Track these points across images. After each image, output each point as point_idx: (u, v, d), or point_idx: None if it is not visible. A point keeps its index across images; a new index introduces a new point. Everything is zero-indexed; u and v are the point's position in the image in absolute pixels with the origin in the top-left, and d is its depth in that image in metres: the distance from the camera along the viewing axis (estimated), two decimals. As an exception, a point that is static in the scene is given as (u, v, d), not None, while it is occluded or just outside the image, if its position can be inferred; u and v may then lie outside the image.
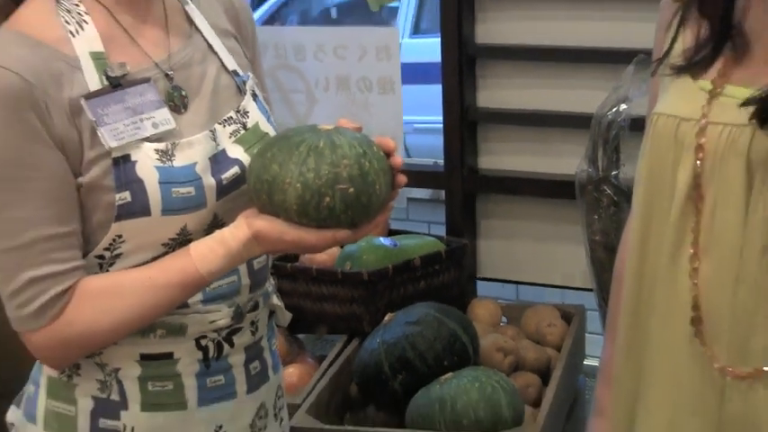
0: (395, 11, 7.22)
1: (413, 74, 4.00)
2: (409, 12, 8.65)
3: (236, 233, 2.05)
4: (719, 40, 2.15)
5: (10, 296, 2.03)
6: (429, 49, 4.36)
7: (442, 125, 3.91)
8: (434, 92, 3.84)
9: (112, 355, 2.13)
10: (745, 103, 2.01)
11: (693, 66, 2.16)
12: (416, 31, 8.63)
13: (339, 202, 1.98)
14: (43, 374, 2.20)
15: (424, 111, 4.28)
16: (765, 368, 2.06)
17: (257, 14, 9.51)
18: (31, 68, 1.97)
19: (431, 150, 4.11)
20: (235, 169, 2.14)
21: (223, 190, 2.11)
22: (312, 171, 1.97)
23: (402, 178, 2.10)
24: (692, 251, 2.11)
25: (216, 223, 2.11)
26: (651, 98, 2.30)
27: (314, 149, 1.99)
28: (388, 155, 2.08)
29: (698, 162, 2.08)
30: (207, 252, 2.05)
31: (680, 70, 2.18)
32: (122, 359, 2.13)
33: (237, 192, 2.13)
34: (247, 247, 2.05)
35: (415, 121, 3.93)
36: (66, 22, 2.06)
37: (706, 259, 2.10)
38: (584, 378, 3.45)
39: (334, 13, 11.20)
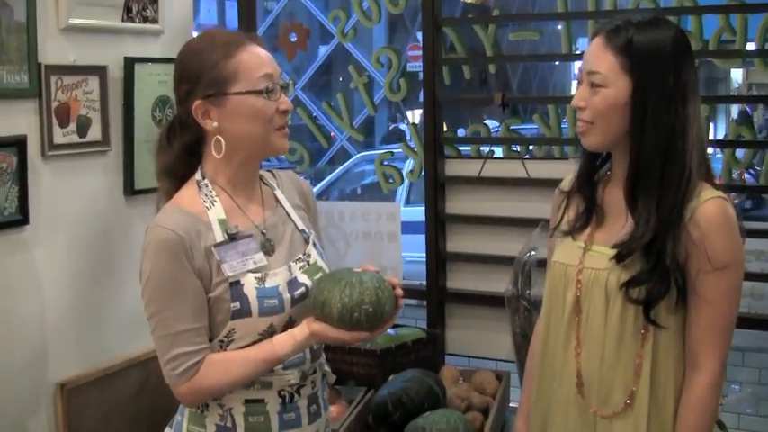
0: (396, 191, 7.28)
1: (407, 228, 4.01)
2: (404, 192, 8.74)
3: (301, 331, 2.06)
4: (588, 215, 2.19)
5: (164, 364, 2.06)
6: (416, 213, 4.38)
7: (425, 260, 3.91)
8: (420, 239, 3.85)
9: (227, 399, 2.12)
10: (613, 247, 2.06)
11: (574, 231, 2.20)
12: (408, 202, 8.70)
13: (363, 316, 2.01)
14: (186, 409, 2.19)
15: (413, 250, 4.28)
16: (617, 411, 2.09)
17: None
18: (183, 228, 2.02)
19: (417, 274, 4.11)
20: (302, 289, 2.14)
21: (295, 301, 2.12)
22: (347, 297, 2.00)
23: (401, 302, 2.13)
24: (575, 342, 2.14)
25: (291, 322, 2.11)
26: (549, 250, 2.33)
27: (349, 283, 2.02)
28: (394, 287, 2.10)
29: (577, 290, 2.12)
30: (283, 342, 2.06)
31: (566, 234, 2.22)
32: (233, 402, 2.12)
33: (303, 303, 2.13)
34: (308, 340, 2.07)
35: (408, 256, 3.93)
36: (204, 201, 2.10)
37: (584, 348, 2.13)
38: (509, 414, 3.41)
39: (358, 190, 11.23)
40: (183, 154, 2.17)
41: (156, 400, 2.97)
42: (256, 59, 2.10)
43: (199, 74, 2.08)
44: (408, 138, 4.09)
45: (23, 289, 2.69)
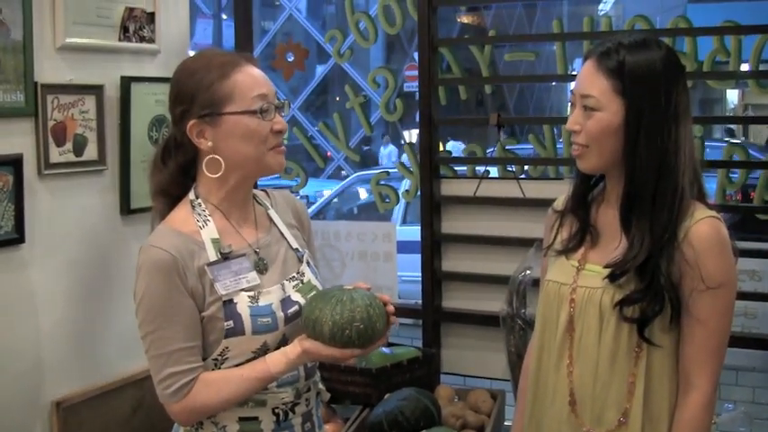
0: (392, 211, 7.30)
1: (402, 248, 4.01)
2: (400, 211, 8.75)
3: (293, 349, 2.06)
4: (582, 235, 2.19)
5: (158, 383, 2.05)
6: (412, 233, 4.38)
7: (420, 279, 3.90)
8: (416, 259, 3.85)
9: (222, 417, 2.12)
10: (607, 267, 2.06)
11: (567, 251, 2.20)
12: (404, 222, 8.70)
13: (354, 333, 2.01)
14: (180, 428, 2.19)
15: (409, 269, 4.28)
16: (610, 430, 2.10)
17: (309, 210, 9.59)
18: (176, 248, 2.03)
19: (413, 294, 4.11)
20: (296, 307, 2.15)
21: (288, 320, 2.12)
22: (338, 314, 2.01)
23: (394, 319, 2.13)
24: (568, 361, 2.14)
25: (284, 340, 2.12)
26: (543, 269, 2.34)
27: (340, 301, 2.03)
28: (385, 304, 2.10)
29: (571, 309, 2.12)
30: (276, 360, 2.07)
31: (559, 253, 2.22)
32: (228, 419, 2.13)
33: (297, 321, 2.13)
34: (300, 358, 2.07)
35: (404, 276, 3.94)
36: (197, 220, 2.11)
37: (577, 366, 2.13)
38: (504, 433, 3.42)
39: (355, 210, 11.25)
40: (178, 174, 2.18)
41: (151, 418, 2.97)
42: (251, 80, 2.10)
43: (194, 94, 2.09)
44: (394, 161, 4.10)
45: (19, 307, 2.68)
